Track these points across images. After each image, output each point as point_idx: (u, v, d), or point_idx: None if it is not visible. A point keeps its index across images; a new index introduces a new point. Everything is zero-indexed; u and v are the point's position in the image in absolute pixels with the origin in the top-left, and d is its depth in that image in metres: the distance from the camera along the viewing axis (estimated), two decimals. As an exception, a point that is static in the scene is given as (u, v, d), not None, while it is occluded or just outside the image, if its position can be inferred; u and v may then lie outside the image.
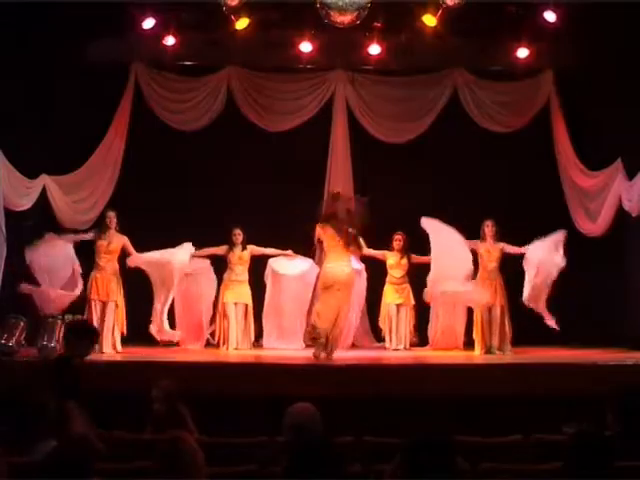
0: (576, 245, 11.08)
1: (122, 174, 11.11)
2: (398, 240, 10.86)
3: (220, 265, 10.82)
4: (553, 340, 10.59)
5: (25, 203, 10.09)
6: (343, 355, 9.62)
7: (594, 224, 10.63)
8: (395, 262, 10.87)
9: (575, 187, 11.05)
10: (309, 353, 9.51)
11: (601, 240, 10.61)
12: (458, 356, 10.12)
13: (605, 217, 10.39)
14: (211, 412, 6.53)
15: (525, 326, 10.58)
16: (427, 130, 11.54)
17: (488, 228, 10.35)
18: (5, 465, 3.77)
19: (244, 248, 10.76)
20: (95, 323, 9.68)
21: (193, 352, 10.24)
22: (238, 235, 10.75)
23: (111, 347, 9.85)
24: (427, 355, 10.37)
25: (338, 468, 3.33)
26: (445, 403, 7.42)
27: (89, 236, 10.15)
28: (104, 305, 9.97)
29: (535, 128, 11.47)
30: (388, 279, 10.97)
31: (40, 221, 10.51)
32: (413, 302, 10.88)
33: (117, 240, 10.12)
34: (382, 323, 10.97)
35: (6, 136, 9.76)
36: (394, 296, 10.91)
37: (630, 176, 10.11)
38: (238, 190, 11.47)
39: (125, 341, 10.16)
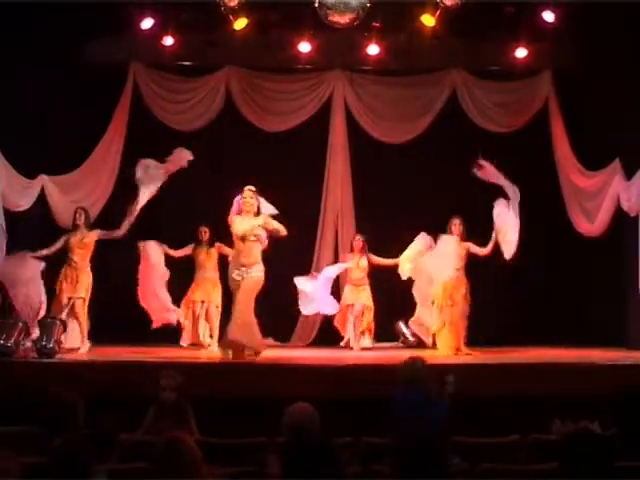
0: (574, 245, 11.11)
1: (120, 174, 11.10)
2: (358, 241, 10.89)
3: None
4: (552, 340, 10.60)
5: (24, 203, 10.09)
6: (342, 355, 9.62)
7: (592, 224, 10.63)
8: (354, 264, 10.88)
9: (573, 187, 11.05)
10: (308, 353, 9.51)
11: (599, 240, 10.62)
12: (456, 356, 10.10)
13: (603, 217, 10.39)
14: (210, 412, 6.54)
15: (524, 326, 10.59)
16: (426, 130, 11.55)
17: (455, 226, 10.19)
18: (19, 465, 3.78)
19: (211, 246, 10.74)
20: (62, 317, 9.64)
21: (192, 352, 10.22)
22: (204, 233, 10.75)
23: (80, 342, 9.81)
24: (426, 355, 10.35)
25: (337, 469, 3.33)
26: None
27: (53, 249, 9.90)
28: (70, 300, 9.82)
29: (534, 128, 11.48)
30: (348, 279, 10.99)
31: (39, 221, 10.53)
32: (371, 303, 10.85)
33: (89, 235, 9.98)
34: (337, 322, 10.95)
35: (5, 136, 9.76)
36: (351, 296, 10.90)
37: (628, 176, 10.12)
38: (238, 190, 11.45)
39: (120, 340, 10.17)
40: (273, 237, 9.18)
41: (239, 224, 9.00)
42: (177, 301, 10.54)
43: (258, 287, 9.04)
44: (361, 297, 10.86)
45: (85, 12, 9.88)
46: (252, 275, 8.94)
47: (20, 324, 9.08)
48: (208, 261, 10.75)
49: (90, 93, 10.93)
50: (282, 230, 9.07)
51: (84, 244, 9.95)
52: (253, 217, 9.03)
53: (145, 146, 11.37)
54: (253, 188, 9.14)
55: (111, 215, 10.72)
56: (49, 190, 10.40)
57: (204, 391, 7.29)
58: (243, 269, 8.93)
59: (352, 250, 10.97)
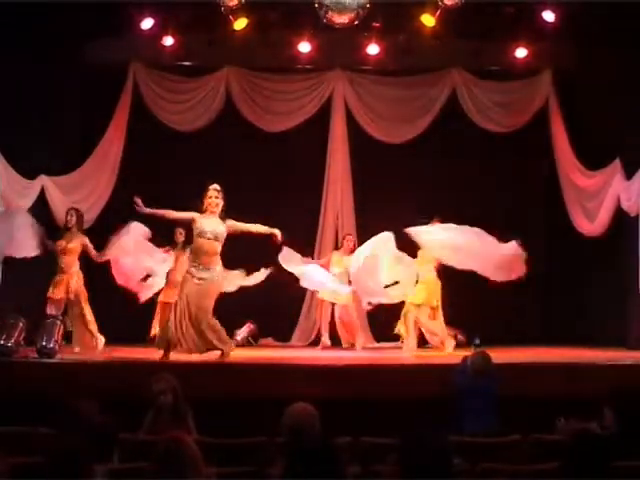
0: (575, 245, 11.10)
1: (120, 174, 11.11)
2: (349, 241, 10.79)
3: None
4: (552, 340, 10.60)
5: (23, 204, 10.10)
6: (342, 355, 9.62)
7: (592, 224, 10.63)
8: (336, 260, 10.76)
9: (574, 187, 11.05)
10: (309, 353, 9.51)
11: (600, 240, 10.62)
12: (456, 355, 10.08)
13: (603, 217, 10.40)
14: (210, 412, 6.53)
15: (524, 325, 10.59)
16: (426, 130, 11.55)
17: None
18: (8, 466, 3.78)
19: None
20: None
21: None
22: (180, 235, 10.55)
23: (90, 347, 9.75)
24: (427, 355, 10.36)
25: (337, 469, 3.33)
26: (444, 403, 7.41)
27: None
28: (72, 304, 9.72)
29: (534, 128, 11.48)
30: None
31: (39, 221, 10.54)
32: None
33: (77, 240, 9.65)
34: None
35: (4, 137, 9.77)
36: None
37: (628, 176, 10.12)
38: (238, 190, 11.46)
39: (119, 341, 10.18)
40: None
41: (207, 223, 8.49)
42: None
43: (221, 289, 8.75)
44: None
45: (85, 12, 9.88)
46: (215, 276, 8.54)
47: (20, 324, 9.08)
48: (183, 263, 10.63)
49: (90, 93, 10.93)
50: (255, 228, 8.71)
51: (69, 249, 9.62)
52: (218, 218, 8.56)
53: (145, 147, 11.41)
54: (218, 187, 8.66)
55: (111, 216, 10.72)
56: (49, 190, 10.41)
57: (203, 391, 7.28)
58: (206, 269, 8.46)
59: (341, 247, 10.87)
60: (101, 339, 9.69)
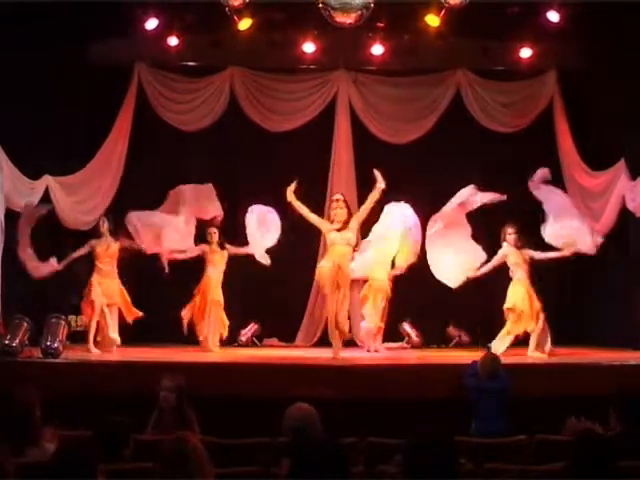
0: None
1: (125, 174, 11.12)
2: None
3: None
4: (556, 340, 10.57)
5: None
6: (346, 355, 9.62)
7: (597, 224, 10.61)
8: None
9: (578, 187, 11.03)
10: (311, 353, 9.52)
11: (605, 240, 10.59)
12: (460, 356, 10.09)
13: (608, 217, 10.38)
14: (211, 413, 6.53)
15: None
16: (430, 130, 11.54)
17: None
18: (12, 465, 3.78)
19: (223, 247, 10.63)
20: (93, 324, 9.96)
21: (194, 352, 10.20)
22: (214, 234, 10.63)
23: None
24: (429, 355, 10.37)
25: (342, 469, 3.33)
26: (448, 403, 7.41)
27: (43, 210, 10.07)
28: (105, 306, 10.04)
29: (538, 128, 11.47)
30: None
31: (43, 222, 10.55)
32: None
33: (115, 245, 10.26)
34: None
35: (9, 137, 9.78)
36: None
37: (633, 176, 10.10)
38: (241, 191, 11.47)
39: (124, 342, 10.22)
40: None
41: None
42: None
43: (320, 282, 9.69)
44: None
45: (90, 12, 9.88)
46: None
47: (25, 324, 9.10)
48: (222, 264, 10.69)
49: (95, 93, 10.94)
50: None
51: (111, 253, 10.19)
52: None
53: (150, 147, 11.41)
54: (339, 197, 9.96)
55: (115, 216, 10.72)
56: (54, 191, 10.41)
57: (206, 391, 7.28)
58: None
59: None
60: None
